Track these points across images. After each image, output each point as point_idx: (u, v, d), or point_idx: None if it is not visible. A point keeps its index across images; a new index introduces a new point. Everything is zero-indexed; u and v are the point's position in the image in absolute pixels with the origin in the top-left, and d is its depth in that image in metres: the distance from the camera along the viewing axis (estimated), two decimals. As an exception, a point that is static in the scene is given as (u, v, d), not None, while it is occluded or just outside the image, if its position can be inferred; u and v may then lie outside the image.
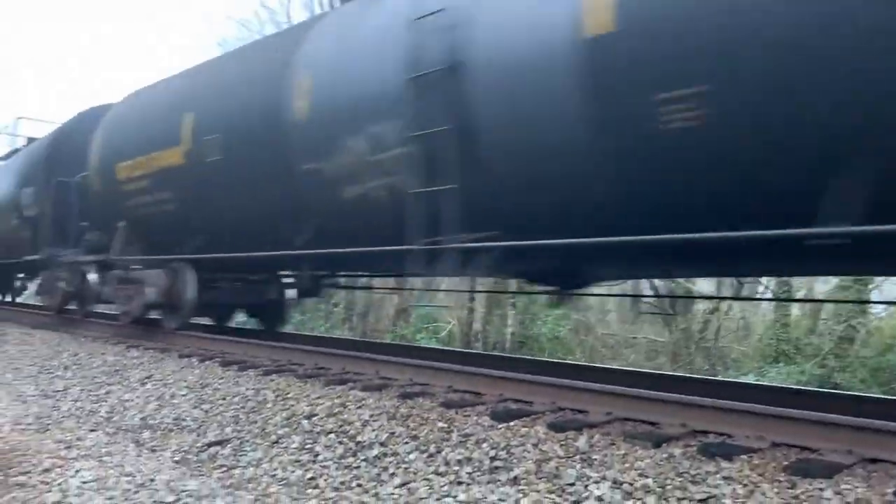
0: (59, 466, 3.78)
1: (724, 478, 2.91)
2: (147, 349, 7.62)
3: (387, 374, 5.39)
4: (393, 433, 3.94)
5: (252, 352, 6.86)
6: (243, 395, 5.15)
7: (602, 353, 16.08)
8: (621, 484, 2.95)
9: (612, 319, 18.27)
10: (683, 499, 2.79)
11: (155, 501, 3.24)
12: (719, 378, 7.68)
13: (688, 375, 5.63)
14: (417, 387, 4.91)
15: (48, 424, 4.92)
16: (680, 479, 2.93)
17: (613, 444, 3.45)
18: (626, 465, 3.13)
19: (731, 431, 3.50)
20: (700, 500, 2.76)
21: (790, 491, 2.78)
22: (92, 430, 4.84)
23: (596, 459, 3.24)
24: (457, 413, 4.14)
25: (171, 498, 3.27)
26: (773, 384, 8.44)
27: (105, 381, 6.45)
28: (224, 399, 5.19)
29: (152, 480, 3.53)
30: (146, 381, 6.17)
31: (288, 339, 8.33)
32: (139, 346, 7.83)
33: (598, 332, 17.00)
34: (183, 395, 5.51)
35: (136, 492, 3.36)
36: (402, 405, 4.35)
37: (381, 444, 3.86)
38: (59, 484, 3.51)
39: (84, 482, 3.51)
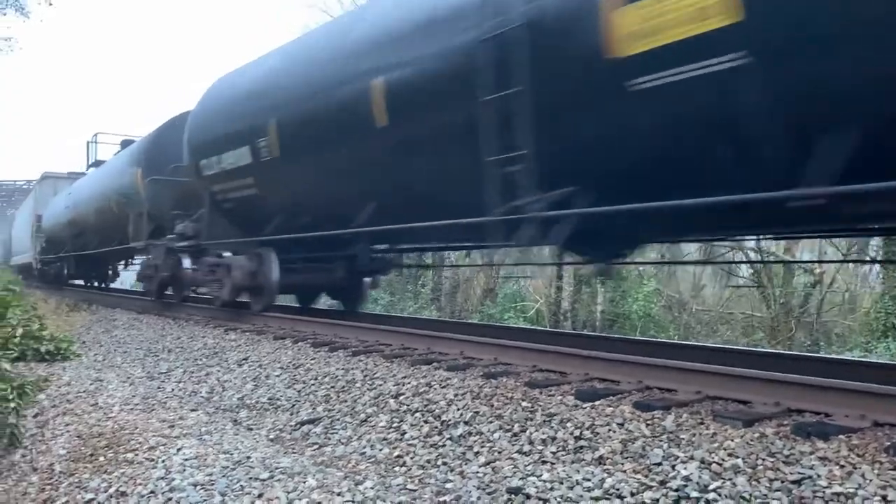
0: (163, 444, 4.00)
1: (820, 458, 2.79)
2: (244, 332, 7.94)
3: (471, 354, 5.42)
4: (477, 412, 3.97)
5: (341, 333, 7.04)
6: (333, 375, 5.29)
7: (696, 330, 15.67)
8: (710, 464, 2.88)
9: (706, 294, 17.75)
10: (775, 479, 2.69)
11: (250, 478, 3.38)
12: (820, 354, 7.33)
13: (784, 352, 5.40)
14: (502, 366, 4.92)
15: (153, 405, 5.21)
16: (772, 460, 2.83)
17: (702, 423, 3.36)
18: (716, 444, 3.05)
19: (829, 410, 3.35)
20: (793, 482, 2.66)
21: (893, 472, 2.64)
22: (193, 410, 5.09)
23: (683, 439, 3.17)
24: (541, 393, 4.13)
25: (265, 475, 3.40)
26: (879, 361, 8.00)
27: (205, 363, 6.76)
28: (315, 379, 5.35)
29: (248, 458, 3.68)
30: (243, 362, 6.44)
31: (375, 321, 8.49)
32: (237, 329, 8.16)
33: (692, 309, 16.55)
34: (277, 376, 5.72)
35: (233, 469, 3.51)
36: (486, 385, 4.37)
37: (466, 423, 3.89)
38: (163, 461, 3.72)
39: (185, 459, 3.70)
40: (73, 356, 7.80)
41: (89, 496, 3.57)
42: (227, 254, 9.39)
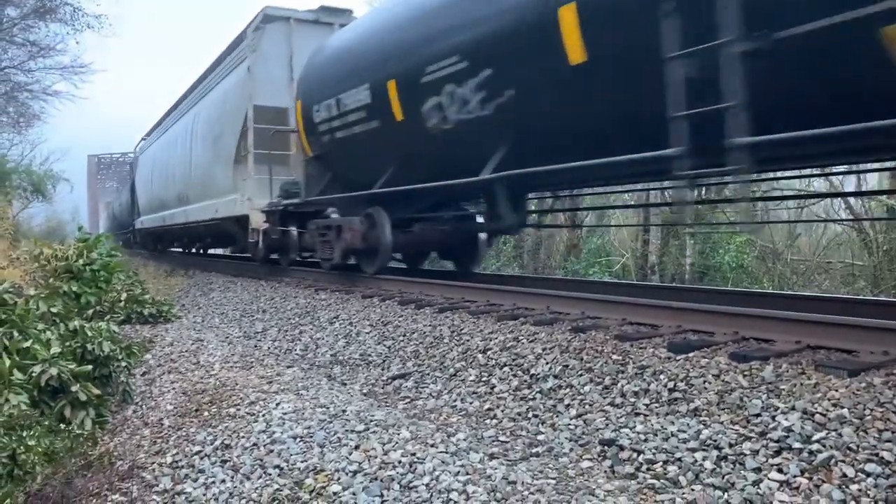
0: (263, 400, 4.16)
1: (935, 408, 2.65)
2: (334, 291, 8.13)
3: (558, 309, 5.38)
4: (566, 366, 3.95)
5: (427, 290, 7.11)
6: (421, 332, 5.37)
7: (792, 281, 15.04)
8: (813, 415, 2.78)
9: (801, 244, 16.98)
10: (885, 430, 2.57)
11: (347, 430, 3.48)
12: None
13: (890, 300, 5.13)
14: (590, 320, 4.87)
15: (251, 362, 5.42)
16: (881, 410, 2.70)
17: (803, 373, 3.24)
18: (819, 394, 2.93)
19: (944, 359, 3.17)
20: (905, 432, 2.54)
21: None
22: (289, 367, 5.27)
23: (784, 389, 3.06)
24: (632, 345, 4.06)
25: (360, 427, 3.50)
26: None
27: (298, 322, 6.98)
28: (404, 336, 5.44)
29: (344, 411, 3.79)
30: (334, 320, 6.61)
31: (461, 278, 8.52)
32: (326, 289, 8.37)
33: (787, 259, 15.88)
34: (367, 333, 5.85)
35: (330, 422, 3.62)
36: (574, 338, 4.34)
37: (555, 377, 3.88)
38: (264, 415, 3.88)
39: (284, 413, 3.84)
40: (173, 318, 8.18)
41: (196, 448, 3.76)
42: None
